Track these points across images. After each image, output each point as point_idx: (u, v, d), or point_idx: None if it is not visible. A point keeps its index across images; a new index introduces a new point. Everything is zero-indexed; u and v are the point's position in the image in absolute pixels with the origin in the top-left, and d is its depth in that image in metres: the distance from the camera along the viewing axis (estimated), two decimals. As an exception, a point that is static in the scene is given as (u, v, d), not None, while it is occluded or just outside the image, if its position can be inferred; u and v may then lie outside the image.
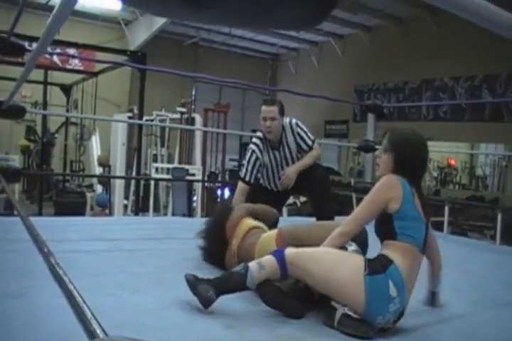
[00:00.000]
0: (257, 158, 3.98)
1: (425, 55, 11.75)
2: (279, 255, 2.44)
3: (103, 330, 1.07)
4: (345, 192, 8.08)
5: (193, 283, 2.46)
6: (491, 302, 2.94)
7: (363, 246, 2.72)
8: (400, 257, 2.33)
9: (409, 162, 2.46)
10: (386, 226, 2.40)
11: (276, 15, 0.59)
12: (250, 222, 3.19)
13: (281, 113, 3.92)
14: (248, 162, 4.00)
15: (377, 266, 2.32)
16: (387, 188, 2.41)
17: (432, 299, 2.68)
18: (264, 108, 3.91)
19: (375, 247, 2.46)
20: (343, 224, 2.51)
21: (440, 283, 2.69)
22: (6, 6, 11.90)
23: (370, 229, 2.55)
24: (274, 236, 2.91)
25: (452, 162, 13.56)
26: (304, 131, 4.05)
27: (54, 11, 1.48)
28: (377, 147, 6.32)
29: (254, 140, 4.07)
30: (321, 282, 2.36)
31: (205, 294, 2.41)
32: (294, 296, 2.50)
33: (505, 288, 3.32)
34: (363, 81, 13.66)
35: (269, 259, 2.46)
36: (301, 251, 2.43)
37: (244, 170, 4.01)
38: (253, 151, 4.00)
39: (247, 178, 3.97)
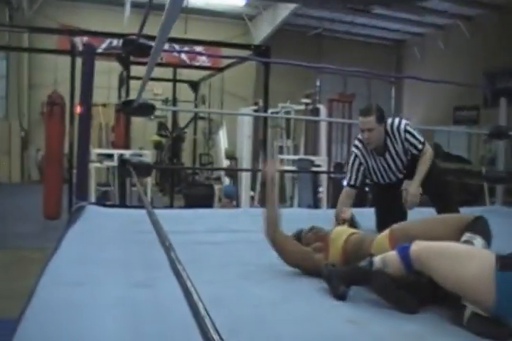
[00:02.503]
0: (360, 164, 3.84)
1: None
2: (403, 251, 2.38)
3: (216, 330, 1.09)
4: (476, 181, 7.75)
5: (328, 277, 2.54)
6: None
7: (487, 240, 2.60)
8: None
9: None
10: None
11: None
12: (342, 231, 3.07)
13: (380, 120, 3.66)
14: (352, 167, 3.87)
15: None
16: None
17: None
18: (360, 119, 3.70)
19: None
20: None
21: None
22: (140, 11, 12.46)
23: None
24: (386, 236, 2.83)
25: None
26: (413, 135, 3.76)
27: (165, 11, 1.53)
28: (510, 133, 6.01)
29: (356, 143, 3.89)
30: (447, 278, 2.27)
31: (337, 289, 2.47)
32: (411, 291, 2.42)
33: None
34: (493, 63, 12.97)
35: (393, 256, 2.42)
36: (427, 246, 2.35)
37: (348, 176, 3.88)
38: (356, 156, 3.85)
39: (351, 183, 3.85)
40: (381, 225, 3.52)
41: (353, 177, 3.85)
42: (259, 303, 2.41)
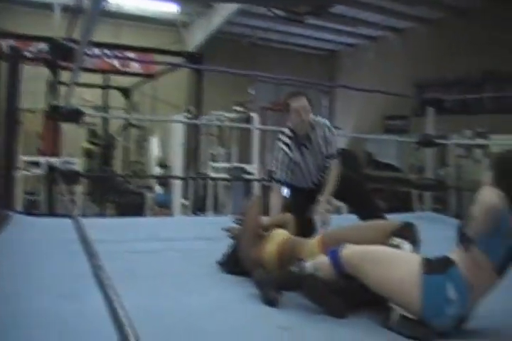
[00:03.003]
0: (285, 154, 3.84)
1: (488, 46, 11.39)
2: (333, 255, 2.40)
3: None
4: (406, 189, 7.95)
5: (259, 283, 2.55)
6: None
7: (415, 245, 2.65)
8: (467, 263, 2.20)
9: (506, 178, 2.32)
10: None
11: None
12: (279, 233, 3.12)
13: (310, 103, 3.80)
14: (277, 160, 3.87)
15: (436, 266, 2.23)
16: (493, 214, 2.21)
17: None
18: (294, 101, 3.78)
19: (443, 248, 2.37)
20: None
21: None
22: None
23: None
24: (317, 242, 2.85)
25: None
26: (333, 138, 3.90)
27: (85, 16, 1.49)
28: (437, 141, 6.18)
29: (280, 136, 3.93)
30: (375, 281, 2.30)
31: (268, 295, 2.48)
32: (342, 295, 2.44)
33: None
34: (422, 75, 13.33)
35: (324, 260, 2.44)
36: (357, 249, 2.38)
37: (277, 172, 3.87)
38: (281, 149, 3.87)
39: (282, 179, 3.85)
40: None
41: (280, 172, 3.84)
42: (191, 313, 2.37)
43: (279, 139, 3.92)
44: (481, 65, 11.72)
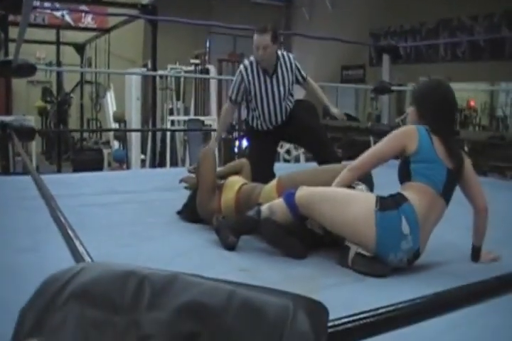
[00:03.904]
0: (242, 79, 3.89)
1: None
2: (288, 197, 2.44)
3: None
4: (363, 138, 8.05)
5: (218, 228, 2.59)
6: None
7: (369, 187, 2.71)
8: (416, 196, 2.31)
9: (429, 111, 2.47)
10: (404, 169, 2.41)
11: None
12: (235, 180, 3.14)
13: (275, 39, 3.75)
14: (235, 83, 3.94)
15: (390, 203, 2.30)
16: (402, 135, 2.43)
17: (472, 253, 2.51)
18: (256, 36, 3.74)
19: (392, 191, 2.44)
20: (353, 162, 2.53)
21: (483, 236, 2.50)
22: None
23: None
24: (274, 185, 2.89)
25: (472, 103, 13.25)
26: (299, 66, 4.03)
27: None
28: (393, 88, 6.24)
29: (245, 62, 3.95)
30: (332, 220, 2.35)
31: (226, 239, 2.51)
32: (298, 236, 2.50)
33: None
34: (378, 24, 13.30)
35: (279, 203, 2.47)
36: (311, 191, 2.41)
37: (231, 91, 3.98)
38: (240, 71, 3.91)
39: (233, 97, 3.94)
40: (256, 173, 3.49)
41: (235, 91, 3.93)
42: (151, 259, 2.39)
43: (242, 65, 3.94)
44: (436, 13, 11.74)
